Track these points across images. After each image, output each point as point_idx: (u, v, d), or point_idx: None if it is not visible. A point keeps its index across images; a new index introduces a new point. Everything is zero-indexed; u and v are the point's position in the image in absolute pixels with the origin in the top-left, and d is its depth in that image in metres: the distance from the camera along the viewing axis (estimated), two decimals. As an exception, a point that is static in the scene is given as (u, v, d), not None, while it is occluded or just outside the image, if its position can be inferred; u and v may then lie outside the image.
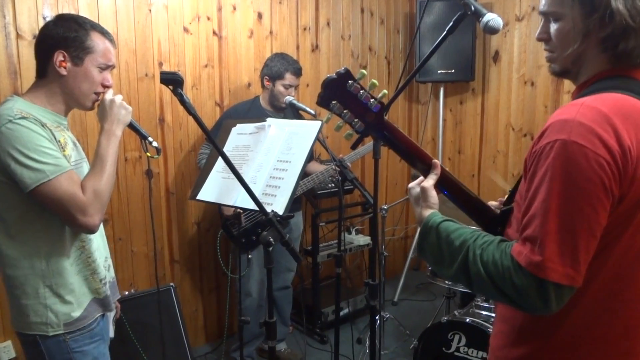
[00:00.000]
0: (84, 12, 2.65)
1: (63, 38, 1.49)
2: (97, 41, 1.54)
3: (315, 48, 3.81)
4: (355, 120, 1.14)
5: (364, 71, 1.14)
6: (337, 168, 2.83)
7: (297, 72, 2.97)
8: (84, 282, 1.58)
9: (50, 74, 1.52)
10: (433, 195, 1.18)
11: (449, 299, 3.23)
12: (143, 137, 1.72)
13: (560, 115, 0.96)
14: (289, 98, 2.85)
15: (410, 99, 4.67)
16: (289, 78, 2.93)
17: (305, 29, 3.72)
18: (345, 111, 1.13)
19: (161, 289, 2.75)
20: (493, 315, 2.52)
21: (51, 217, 1.47)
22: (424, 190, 1.19)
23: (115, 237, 2.92)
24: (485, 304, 2.67)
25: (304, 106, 2.78)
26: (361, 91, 1.12)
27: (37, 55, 1.54)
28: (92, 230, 1.48)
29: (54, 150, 1.42)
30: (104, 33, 1.57)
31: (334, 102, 1.12)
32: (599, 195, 0.91)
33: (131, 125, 1.66)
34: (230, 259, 3.20)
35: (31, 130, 1.39)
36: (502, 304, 1.15)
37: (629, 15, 0.97)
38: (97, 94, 1.58)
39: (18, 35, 2.46)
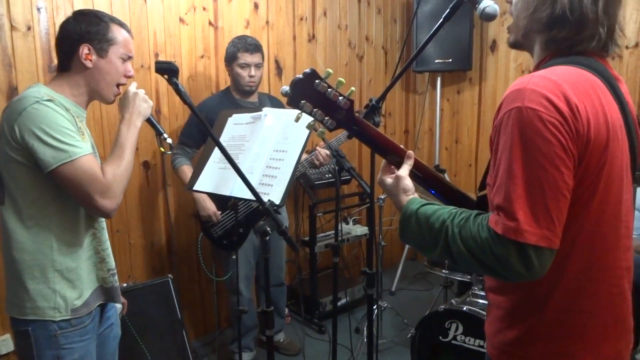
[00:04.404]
0: (78, 4, 2.63)
1: (86, 32, 1.53)
2: (117, 33, 1.58)
3: (312, 38, 3.79)
4: (326, 118, 1.16)
5: (330, 70, 1.16)
6: (322, 153, 2.80)
7: (250, 49, 2.80)
8: (92, 268, 1.60)
9: (75, 67, 1.55)
10: (408, 182, 1.20)
11: (446, 288, 3.24)
12: (159, 133, 1.75)
13: (514, 87, 1.01)
14: (285, 88, 2.77)
15: (408, 89, 4.66)
16: (242, 57, 2.79)
17: (301, 19, 3.70)
18: (315, 110, 1.16)
19: (159, 280, 2.75)
20: (490, 303, 2.53)
21: (65, 201, 1.49)
22: (398, 179, 1.21)
23: (113, 229, 2.92)
24: (482, 293, 2.68)
25: None
26: (329, 89, 1.15)
27: (60, 51, 1.58)
28: (109, 214, 1.50)
29: (76, 133, 1.46)
30: (122, 25, 1.61)
31: (303, 101, 1.15)
32: (559, 153, 0.95)
33: (149, 120, 1.69)
34: (216, 261, 3.19)
35: (56, 112, 1.42)
36: (490, 279, 1.19)
37: (569, 8, 1.04)
38: (119, 86, 1.63)
39: (12, 27, 2.44)
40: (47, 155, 1.40)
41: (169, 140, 1.75)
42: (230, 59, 2.84)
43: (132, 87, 1.65)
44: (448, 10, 1.47)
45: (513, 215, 0.94)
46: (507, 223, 0.95)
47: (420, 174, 1.25)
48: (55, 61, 1.62)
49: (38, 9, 2.51)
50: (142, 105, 1.64)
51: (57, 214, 1.49)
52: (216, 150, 1.91)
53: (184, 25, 3.08)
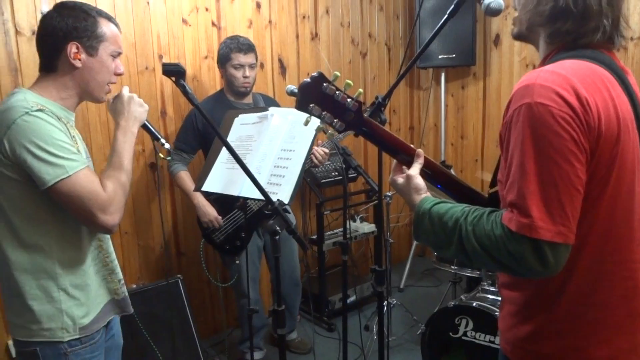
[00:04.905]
0: (82, 7, 2.64)
1: (74, 28, 1.40)
2: (106, 28, 1.46)
3: (314, 36, 3.79)
4: (335, 120, 1.17)
5: (338, 73, 1.16)
6: (320, 151, 2.74)
7: (244, 49, 2.73)
8: (102, 282, 1.53)
9: (62, 67, 1.42)
10: (419, 181, 1.21)
11: (455, 284, 3.24)
12: (155, 138, 1.66)
13: (522, 83, 1.01)
14: (290, 87, 2.68)
15: (412, 85, 4.66)
16: (236, 57, 2.72)
17: (304, 17, 3.70)
18: (324, 112, 1.16)
19: (169, 281, 2.77)
20: (499, 298, 2.52)
21: (64, 216, 1.39)
22: (409, 178, 1.21)
23: (121, 230, 2.93)
24: (492, 288, 2.67)
25: None
26: (337, 92, 1.15)
27: (44, 49, 1.44)
28: (111, 230, 1.42)
29: (71, 145, 1.36)
30: (110, 18, 1.49)
31: (311, 105, 1.15)
32: (571, 148, 0.94)
33: (144, 125, 1.60)
34: (220, 265, 3.20)
35: (49, 124, 1.31)
36: (504, 274, 1.19)
37: (572, 0, 1.04)
38: (109, 84, 1.52)
39: (17, 32, 2.45)
40: (42, 172, 1.29)
41: (167, 146, 1.66)
42: (223, 60, 2.78)
43: (126, 91, 1.55)
44: (452, 7, 1.46)
45: (527, 211, 0.94)
46: (521, 220, 0.94)
47: (429, 172, 1.25)
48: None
49: (42, 13, 2.51)
50: (138, 110, 1.54)
51: (56, 230, 1.39)
52: (224, 151, 1.91)
53: (187, 27, 3.08)
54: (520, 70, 4.04)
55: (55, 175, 1.30)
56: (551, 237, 0.93)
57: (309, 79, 1.15)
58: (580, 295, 1.06)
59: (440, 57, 4.08)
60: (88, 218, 1.36)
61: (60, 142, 1.32)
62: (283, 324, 1.69)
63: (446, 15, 1.49)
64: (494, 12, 1.42)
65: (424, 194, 1.19)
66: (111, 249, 1.58)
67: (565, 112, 0.94)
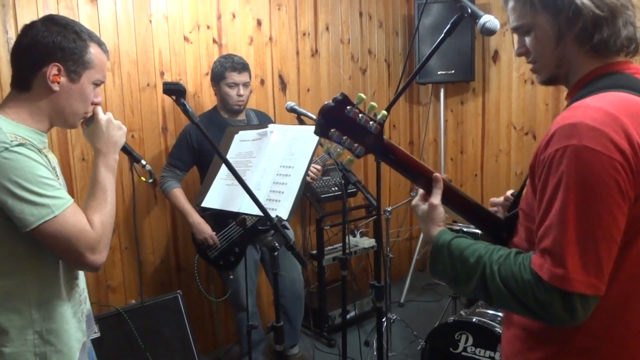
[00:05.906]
0: (84, 24, 2.66)
1: (60, 48, 1.27)
2: (95, 54, 1.34)
3: (315, 53, 3.83)
4: (356, 145, 1.12)
5: (363, 95, 1.11)
6: (312, 169, 2.71)
7: (238, 67, 2.76)
8: (77, 324, 1.39)
9: (37, 88, 1.29)
10: (441, 212, 1.16)
11: (455, 299, 3.23)
12: (135, 160, 1.56)
13: (567, 120, 0.94)
14: (290, 104, 2.64)
15: (411, 101, 4.69)
16: (230, 76, 2.74)
17: (304, 34, 3.74)
18: (344, 137, 1.10)
19: (168, 296, 2.76)
20: (499, 314, 2.52)
21: (43, 254, 1.27)
22: (432, 208, 1.16)
23: (122, 246, 2.94)
24: (492, 303, 2.67)
25: (305, 111, 2.74)
26: (360, 115, 1.09)
27: (20, 64, 1.31)
28: (99, 269, 1.30)
29: (54, 180, 1.24)
30: (101, 44, 1.38)
31: (332, 130, 1.09)
32: (616, 199, 0.89)
33: (123, 148, 1.48)
34: (216, 280, 3.20)
35: (31, 159, 1.20)
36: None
37: (595, 6, 0.98)
38: (85, 113, 1.40)
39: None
40: (25, 213, 1.17)
41: (148, 167, 1.57)
42: (217, 78, 2.80)
43: (101, 114, 1.41)
44: (449, 26, 1.49)
45: (562, 261, 0.90)
46: (554, 270, 0.90)
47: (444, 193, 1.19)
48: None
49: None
50: (117, 134, 1.42)
51: (32, 269, 1.27)
52: (223, 167, 1.93)
53: (188, 44, 3.12)
54: (518, 86, 4.08)
55: (40, 216, 1.19)
56: (583, 289, 0.89)
57: (331, 102, 1.08)
58: (598, 330, 1.01)
59: (439, 73, 4.12)
60: (76, 258, 1.26)
61: (44, 180, 1.21)
62: (282, 339, 1.69)
63: (442, 35, 1.53)
64: (489, 32, 1.45)
65: (443, 226, 1.15)
66: (82, 284, 1.47)
67: (615, 159, 0.89)
